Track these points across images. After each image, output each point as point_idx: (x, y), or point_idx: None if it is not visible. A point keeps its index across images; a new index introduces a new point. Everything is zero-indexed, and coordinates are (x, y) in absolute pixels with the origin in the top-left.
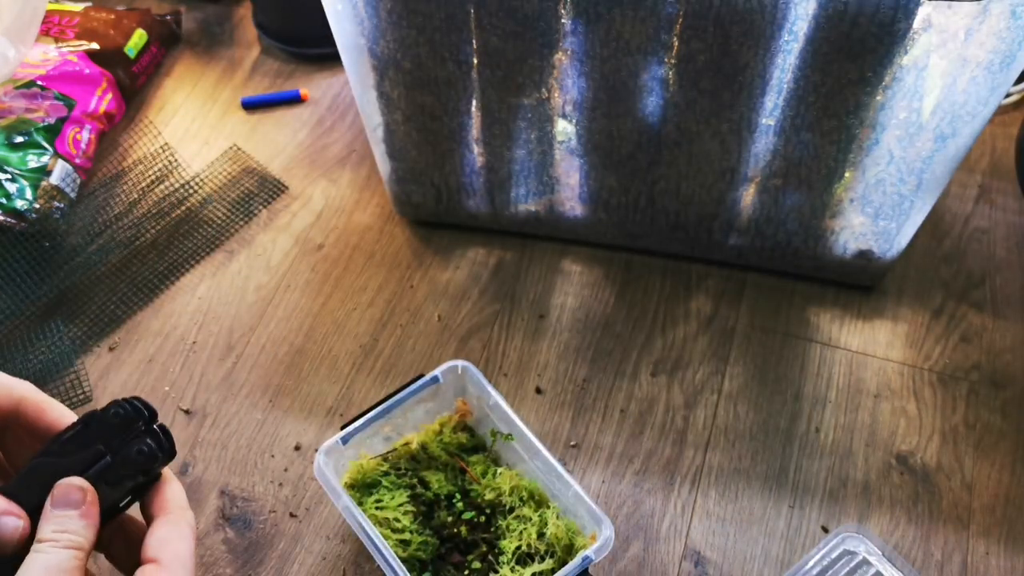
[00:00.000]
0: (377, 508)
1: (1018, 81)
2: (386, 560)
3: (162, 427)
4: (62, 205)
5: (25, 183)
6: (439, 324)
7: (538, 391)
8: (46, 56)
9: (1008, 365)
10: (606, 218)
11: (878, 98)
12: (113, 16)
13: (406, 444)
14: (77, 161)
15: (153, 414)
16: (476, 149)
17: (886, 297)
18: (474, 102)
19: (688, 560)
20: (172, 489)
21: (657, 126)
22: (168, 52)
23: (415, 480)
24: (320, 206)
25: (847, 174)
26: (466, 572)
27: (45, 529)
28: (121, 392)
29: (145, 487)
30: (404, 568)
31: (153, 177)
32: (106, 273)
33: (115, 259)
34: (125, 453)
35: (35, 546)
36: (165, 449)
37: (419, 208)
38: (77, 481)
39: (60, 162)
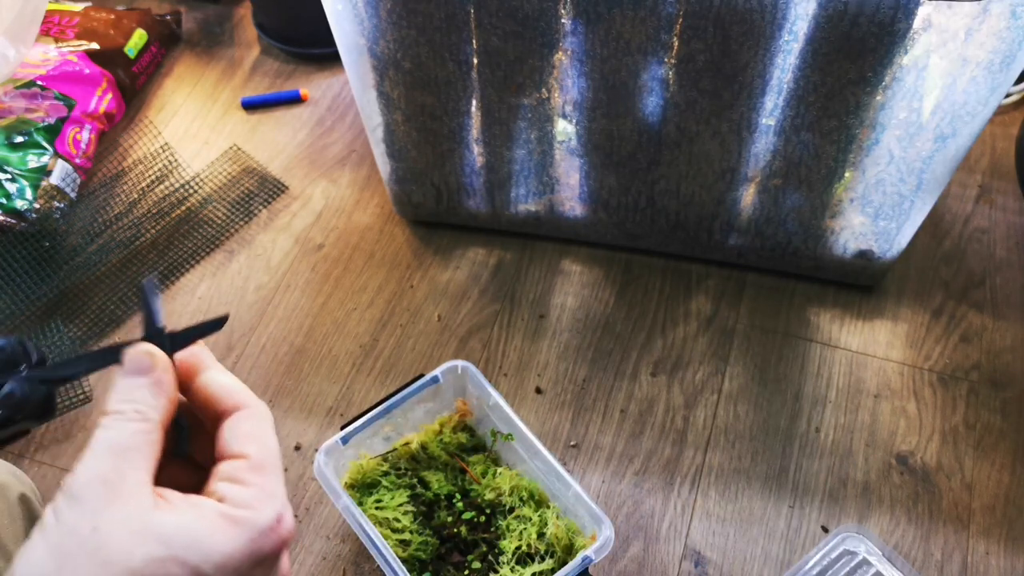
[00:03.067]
0: (377, 508)
1: (1018, 81)
2: (386, 560)
3: (39, 378)
4: (62, 205)
5: (25, 183)
6: (439, 324)
7: (538, 391)
8: (46, 56)
9: (1008, 365)
10: (606, 218)
11: (878, 98)
12: (113, 16)
13: (406, 444)
14: (77, 161)
15: (40, 362)
16: (476, 149)
17: (886, 297)
18: (474, 102)
19: (688, 560)
20: (236, 384)
21: (657, 126)
22: (168, 52)
23: (415, 480)
24: (320, 206)
25: (847, 174)
26: (466, 572)
27: (110, 400)
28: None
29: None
30: (404, 568)
31: (153, 177)
32: (106, 273)
33: (115, 259)
34: None
35: (98, 420)
36: (27, 403)
37: (419, 208)
38: (145, 347)
39: (60, 162)
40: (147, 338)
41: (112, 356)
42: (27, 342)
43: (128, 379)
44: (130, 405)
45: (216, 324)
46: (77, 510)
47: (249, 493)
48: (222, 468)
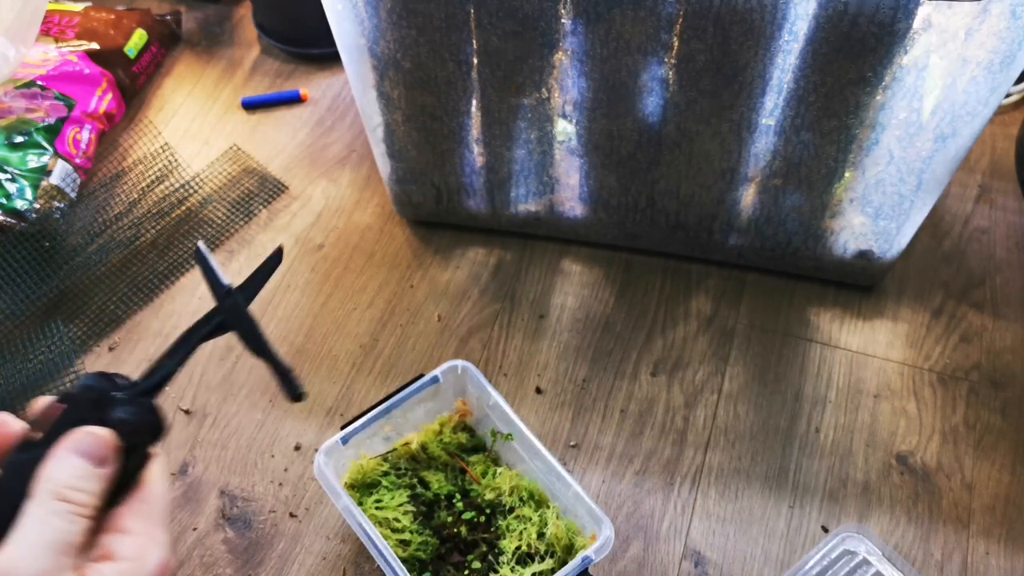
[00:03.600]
0: (377, 508)
1: (1018, 81)
2: (386, 560)
3: (140, 392)
4: (62, 205)
5: (25, 183)
6: (439, 324)
7: (538, 391)
8: (46, 56)
9: (1008, 365)
10: (606, 218)
11: (878, 98)
12: (113, 16)
13: (406, 444)
14: (77, 161)
15: (128, 385)
16: (476, 149)
17: (886, 297)
18: (474, 102)
19: (688, 560)
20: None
21: (657, 126)
22: (168, 52)
23: (415, 480)
24: (320, 206)
25: (847, 174)
26: (466, 572)
27: (60, 475)
28: None
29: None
30: (404, 568)
31: (153, 177)
32: (106, 273)
33: (115, 259)
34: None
35: (33, 509)
36: (141, 421)
37: (419, 208)
38: (106, 433)
39: (60, 162)
40: (219, 300)
41: (195, 337)
42: (107, 373)
43: (83, 462)
44: (81, 497)
45: (274, 261)
46: None
47: (136, 543)
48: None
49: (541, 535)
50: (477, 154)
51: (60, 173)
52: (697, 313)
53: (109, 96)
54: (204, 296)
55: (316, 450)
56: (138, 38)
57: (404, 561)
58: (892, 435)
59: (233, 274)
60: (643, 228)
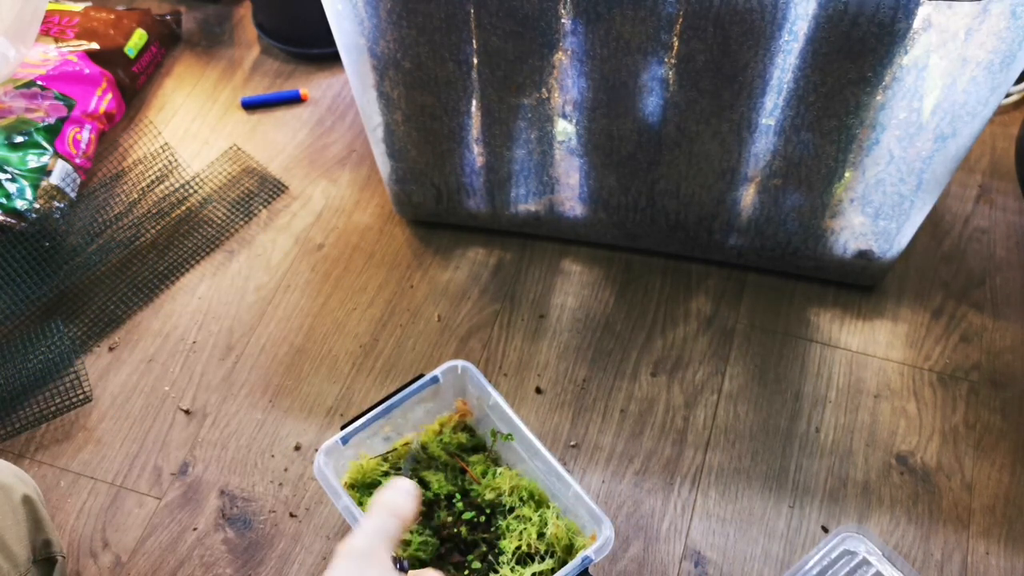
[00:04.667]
0: None
1: (1018, 81)
2: None
3: None
4: (62, 205)
5: (25, 183)
6: (439, 324)
7: (538, 391)
8: (46, 56)
9: (1008, 365)
10: (606, 218)
11: (878, 98)
12: (113, 16)
13: (406, 444)
14: (77, 161)
15: None
16: (476, 149)
17: (886, 297)
18: (474, 102)
19: (688, 560)
20: None
21: (657, 126)
22: (168, 52)
23: (415, 480)
24: (320, 206)
25: (847, 174)
26: (466, 572)
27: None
28: (121, 392)
29: None
30: None
31: (153, 177)
32: (106, 273)
33: (115, 259)
34: None
35: (371, 513)
36: None
37: (419, 208)
38: (412, 486)
39: (60, 162)
40: None
41: None
42: None
43: (403, 497)
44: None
45: None
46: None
47: None
48: None
49: (541, 535)
50: (477, 154)
51: (60, 173)
52: (697, 313)
53: (109, 96)
54: (204, 296)
55: (316, 450)
56: (138, 38)
57: None
58: (892, 435)
59: (232, 275)
60: (643, 228)
